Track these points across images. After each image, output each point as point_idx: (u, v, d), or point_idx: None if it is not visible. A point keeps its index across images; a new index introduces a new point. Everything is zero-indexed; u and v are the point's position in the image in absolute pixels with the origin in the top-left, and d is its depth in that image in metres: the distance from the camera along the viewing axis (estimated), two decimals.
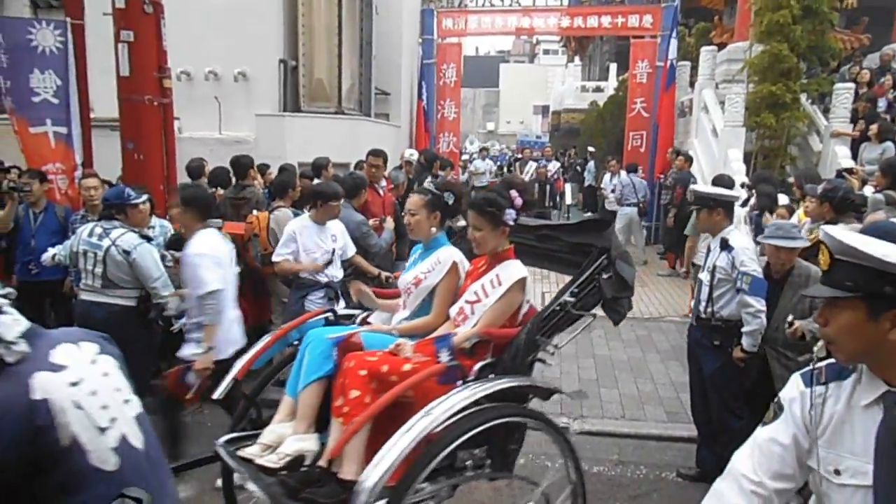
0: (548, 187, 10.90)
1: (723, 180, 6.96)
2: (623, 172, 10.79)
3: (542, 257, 3.18)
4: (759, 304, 3.61)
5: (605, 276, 2.69)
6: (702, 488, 3.93)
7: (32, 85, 5.46)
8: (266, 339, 3.17)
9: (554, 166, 13.54)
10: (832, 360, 1.46)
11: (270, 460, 2.48)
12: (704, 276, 3.93)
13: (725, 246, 3.77)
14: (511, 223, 2.78)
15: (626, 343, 6.60)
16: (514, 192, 2.80)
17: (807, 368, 1.50)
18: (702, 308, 3.91)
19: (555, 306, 2.71)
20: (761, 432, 1.55)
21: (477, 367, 2.59)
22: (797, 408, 1.48)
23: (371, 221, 5.35)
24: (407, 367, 2.53)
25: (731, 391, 3.85)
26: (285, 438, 2.61)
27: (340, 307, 4.53)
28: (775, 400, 1.57)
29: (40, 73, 5.46)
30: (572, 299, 2.70)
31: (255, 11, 9.39)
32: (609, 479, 4.13)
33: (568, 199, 12.66)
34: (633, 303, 2.82)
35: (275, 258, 4.43)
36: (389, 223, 5.63)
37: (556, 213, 11.85)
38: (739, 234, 3.93)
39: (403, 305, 3.13)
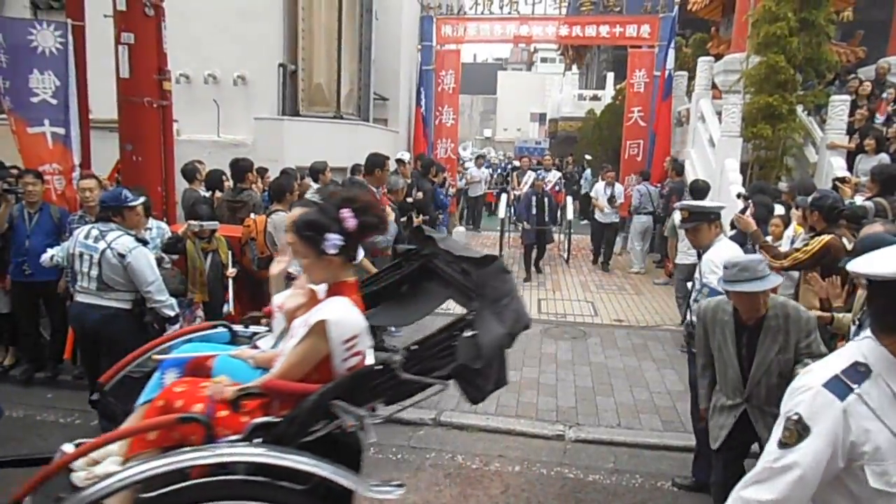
0: (546, 200, 9.94)
1: (699, 185, 7.07)
2: (617, 184, 10.97)
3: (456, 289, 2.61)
4: None
5: (467, 333, 2.11)
6: (697, 498, 3.97)
7: (31, 85, 5.45)
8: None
9: (554, 177, 12.30)
10: (845, 365, 1.45)
11: (78, 477, 2.22)
12: (695, 290, 4.01)
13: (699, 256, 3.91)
14: (332, 251, 2.21)
15: (622, 351, 6.61)
16: (345, 212, 2.24)
17: (826, 379, 1.43)
18: (687, 315, 4.01)
19: (376, 365, 2.20)
20: (784, 456, 1.43)
21: (251, 424, 2.16)
22: (831, 423, 1.39)
23: None
24: (199, 406, 2.21)
25: None
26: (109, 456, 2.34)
27: None
28: (794, 419, 1.44)
29: (40, 74, 5.45)
30: (399, 358, 2.12)
31: (256, 15, 9.42)
32: (604, 487, 4.13)
33: (569, 214, 11.54)
34: (506, 378, 2.18)
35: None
36: (391, 215, 5.70)
37: (556, 230, 11.02)
38: (721, 243, 3.86)
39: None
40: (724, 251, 3.73)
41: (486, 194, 16.58)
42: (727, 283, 2.94)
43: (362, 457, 2.37)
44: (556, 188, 12.00)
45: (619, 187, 10.94)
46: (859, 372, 1.43)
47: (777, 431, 1.48)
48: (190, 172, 6.71)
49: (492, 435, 4.78)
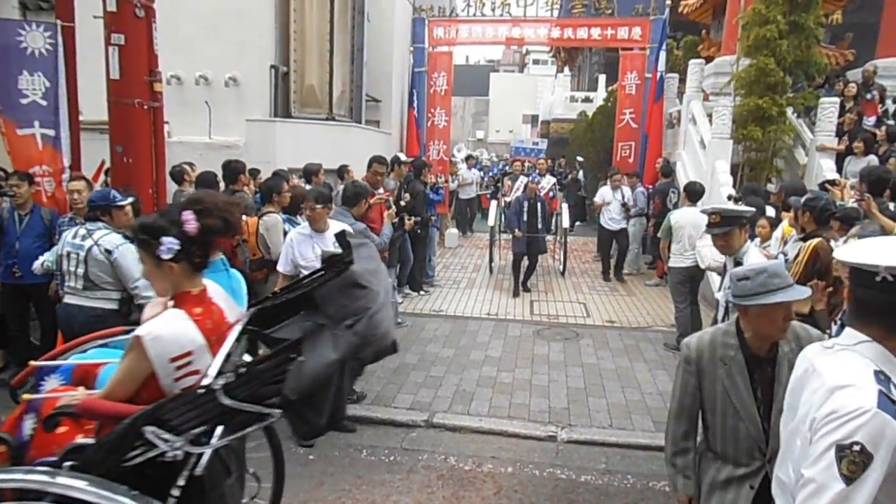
0: (539, 206, 9.13)
1: (695, 187, 7.07)
2: (625, 187, 10.09)
3: None
4: None
5: (300, 358, 1.94)
6: None
7: (21, 86, 5.42)
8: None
9: (548, 182, 11.27)
10: (872, 377, 1.38)
11: None
12: (721, 295, 3.79)
13: (739, 265, 3.57)
14: (167, 256, 2.05)
15: (614, 352, 6.63)
16: (186, 214, 2.07)
17: (876, 400, 1.32)
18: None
19: (199, 389, 1.97)
20: (853, 493, 1.30)
21: (66, 447, 2.01)
22: (887, 444, 1.30)
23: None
24: (28, 422, 2.13)
25: None
26: None
27: None
28: (857, 450, 1.30)
29: (29, 75, 5.42)
30: (222, 382, 1.94)
31: (248, 17, 9.41)
32: (596, 488, 4.14)
33: (565, 222, 10.57)
34: (343, 411, 2.02)
35: (279, 268, 4.41)
36: (389, 215, 5.83)
37: (550, 239, 10.21)
38: (755, 250, 3.71)
39: None
40: (759, 256, 3.50)
41: (479, 196, 16.02)
42: (756, 297, 2.20)
43: (200, 487, 2.06)
44: (551, 194, 11.07)
45: (626, 191, 10.10)
46: (883, 380, 1.38)
47: (828, 465, 1.33)
48: (178, 174, 6.69)
49: (484, 436, 4.78)
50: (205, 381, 1.96)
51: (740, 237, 3.73)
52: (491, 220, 10.89)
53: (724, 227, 3.68)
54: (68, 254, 4.15)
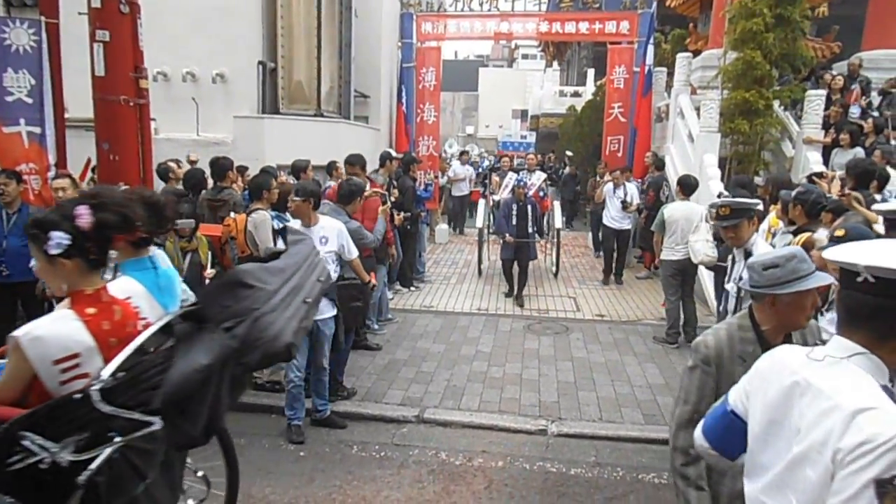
0: (528, 208, 8.40)
1: (689, 181, 7.10)
2: (628, 183, 9.76)
3: None
4: None
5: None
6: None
7: (6, 84, 5.36)
8: None
9: (538, 178, 10.32)
10: (883, 394, 1.28)
11: None
12: (731, 287, 3.82)
13: (749, 257, 3.59)
14: (55, 251, 1.94)
15: (604, 346, 6.67)
16: (80, 209, 1.96)
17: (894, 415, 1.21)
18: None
19: (75, 394, 1.88)
20: None
21: None
22: None
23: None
24: None
25: None
26: None
27: (330, 313, 4.54)
28: (894, 482, 1.16)
29: (14, 73, 5.37)
30: (99, 386, 1.84)
31: (234, 13, 9.36)
32: (586, 480, 4.17)
33: (557, 222, 9.90)
34: (221, 419, 1.91)
35: None
36: (383, 211, 5.94)
37: (541, 242, 9.65)
38: (763, 242, 3.74)
39: None
40: (767, 248, 3.52)
41: (472, 193, 14.75)
42: (789, 284, 2.09)
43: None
44: (541, 193, 10.21)
45: (630, 187, 9.67)
46: (891, 396, 1.28)
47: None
48: (163, 172, 6.65)
49: (475, 431, 4.80)
50: (94, 385, 1.85)
51: (749, 229, 3.80)
52: (479, 221, 10.29)
53: (734, 220, 3.76)
54: None
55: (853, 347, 1.37)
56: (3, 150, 5.50)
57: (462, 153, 15.84)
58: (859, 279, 1.33)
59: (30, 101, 5.47)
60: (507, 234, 8.36)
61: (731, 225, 3.78)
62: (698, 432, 1.75)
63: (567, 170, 16.97)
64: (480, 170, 17.96)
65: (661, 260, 6.93)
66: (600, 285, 9.46)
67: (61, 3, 5.77)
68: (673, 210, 6.85)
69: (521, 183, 8.91)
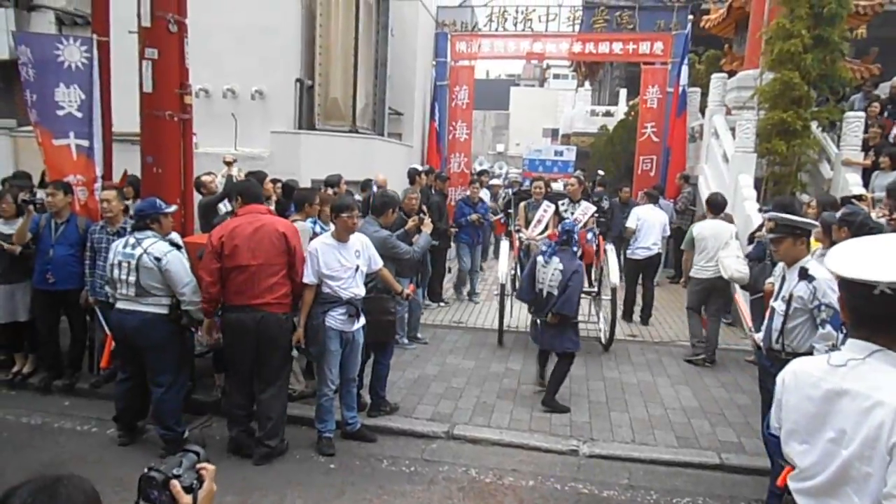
0: (574, 268, 5.43)
1: (717, 199, 7.02)
2: (664, 200, 9.36)
3: None
4: (839, 335, 3.42)
5: None
6: None
7: (57, 99, 5.57)
8: None
9: (584, 212, 7.52)
10: None
11: None
12: (779, 304, 3.81)
13: (805, 276, 3.64)
14: None
15: (636, 366, 6.59)
16: None
17: None
18: (773, 338, 3.80)
19: None
20: None
21: None
22: None
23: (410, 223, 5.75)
24: None
25: None
26: None
27: (360, 324, 4.58)
28: None
29: (65, 88, 5.57)
30: None
31: (275, 32, 9.59)
32: (619, 503, 4.11)
33: (613, 276, 7.01)
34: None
35: (304, 280, 4.44)
36: (427, 224, 5.78)
37: (587, 301, 7.31)
38: (817, 263, 3.72)
39: None
40: (826, 270, 3.52)
41: (494, 222, 11.10)
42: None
43: None
44: (589, 235, 7.38)
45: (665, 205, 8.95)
46: None
47: None
48: (197, 185, 6.78)
49: (505, 449, 4.77)
50: None
51: (794, 247, 3.78)
52: (500, 272, 7.36)
53: (776, 234, 3.86)
54: (119, 263, 4.31)
55: (869, 346, 1.46)
56: (52, 162, 5.70)
57: (481, 173, 12.42)
58: (876, 291, 1.41)
59: (79, 115, 5.66)
60: (532, 307, 5.70)
61: (773, 238, 3.94)
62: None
63: (618, 197, 11.12)
64: (505, 195, 12.35)
65: (690, 277, 6.88)
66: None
67: (112, 22, 5.98)
68: (702, 228, 6.81)
69: (567, 230, 5.58)
